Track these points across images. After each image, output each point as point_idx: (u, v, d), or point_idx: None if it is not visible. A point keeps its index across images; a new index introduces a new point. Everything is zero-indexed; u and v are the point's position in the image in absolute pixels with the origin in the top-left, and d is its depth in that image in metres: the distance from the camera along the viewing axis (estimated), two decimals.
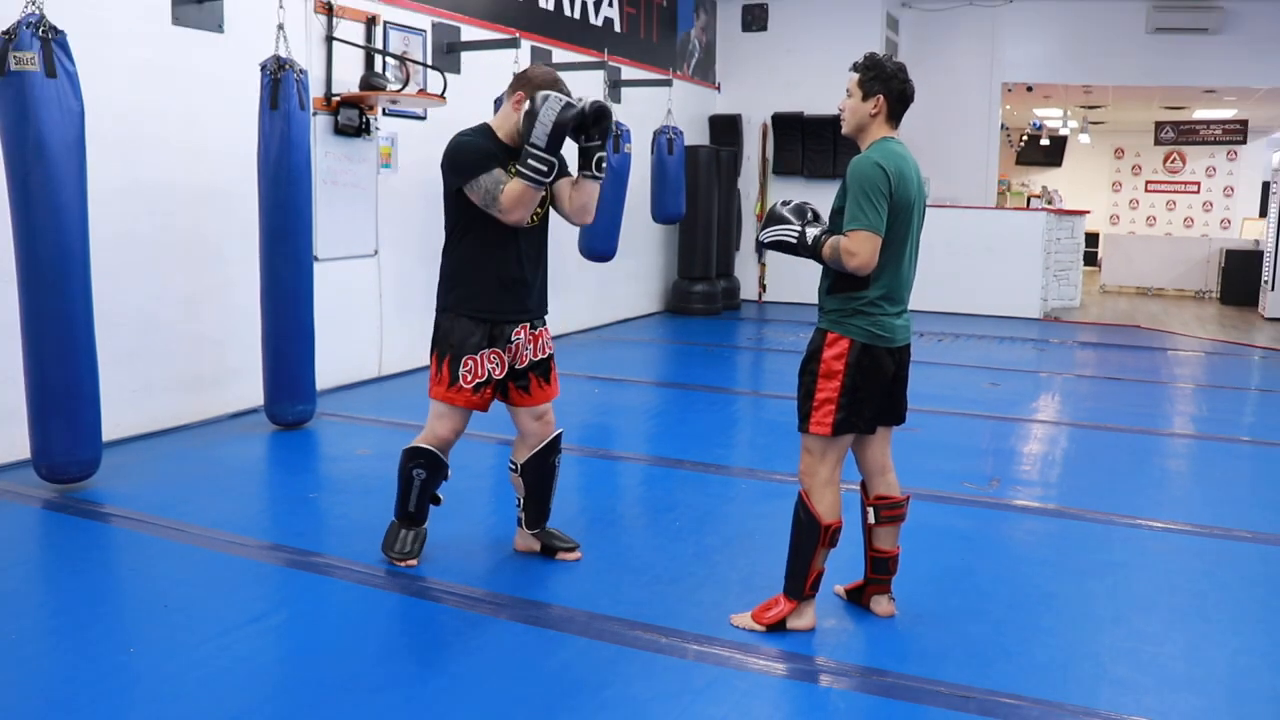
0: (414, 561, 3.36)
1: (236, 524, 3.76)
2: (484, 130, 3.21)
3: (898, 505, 3.03)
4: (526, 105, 3.02)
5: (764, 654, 2.80)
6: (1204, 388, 7.23)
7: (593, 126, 3.08)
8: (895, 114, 2.87)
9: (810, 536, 2.88)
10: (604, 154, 3.13)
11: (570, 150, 3.04)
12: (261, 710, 2.47)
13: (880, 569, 3.05)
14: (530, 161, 2.96)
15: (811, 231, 2.83)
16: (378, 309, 6.35)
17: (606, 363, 7.46)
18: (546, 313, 3.37)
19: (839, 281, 2.84)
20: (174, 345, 5.04)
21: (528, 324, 3.28)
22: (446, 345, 3.21)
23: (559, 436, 3.40)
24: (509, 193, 3.02)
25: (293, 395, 5.01)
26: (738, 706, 2.53)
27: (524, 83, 3.15)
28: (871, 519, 3.04)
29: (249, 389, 5.29)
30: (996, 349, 8.47)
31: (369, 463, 4.57)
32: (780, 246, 2.89)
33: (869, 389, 2.85)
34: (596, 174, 3.16)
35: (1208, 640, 2.96)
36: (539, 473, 3.38)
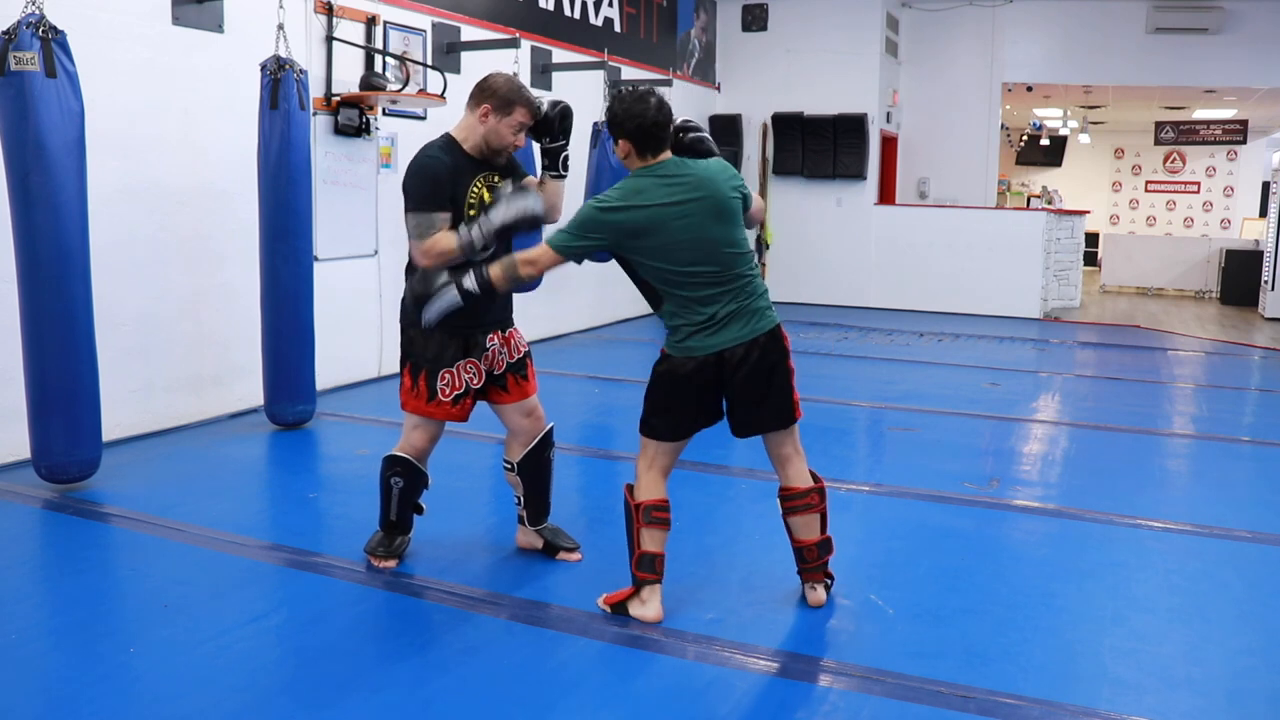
0: (394, 563, 3.35)
1: (236, 524, 3.76)
2: (448, 145, 3.11)
3: (800, 496, 3.05)
4: (500, 189, 3.04)
5: (764, 654, 2.80)
6: (1204, 388, 7.23)
7: (557, 128, 3.11)
8: (646, 147, 2.89)
9: (628, 517, 3.01)
10: (568, 153, 3.17)
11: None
12: (261, 710, 2.47)
13: (799, 559, 3.10)
14: (473, 240, 2.96)
15: (469, 276, 2.91)
16: (378, 309, 6.35)
17: (606, 363, 7.46)
18: (512, 313, 3.37)
19: (663, 315, 3.00)
20: (174, 345, 5.04)
21: (499, 329, 3.27)
22: (422, 360, 3.18)
23: (551, 431, 3.40)
24: (435, 244, 2.99)
25: (293, 395, 5.01)
26: (738, 706, 2.53)
27: (489, 94, 3.07)
28: (781, 511, 3.10)
29: (249, 389, 5.29)
30: (996, 349, 8.47)
31: (369, 463, 4.56)
32: (450, 307, 2.94)
33: (671, 397, 2.95)
34: (562, 173, 3.19)
35: (1208, 640, 2.96)
36: (535, 469, 3.39)
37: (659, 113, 2.87)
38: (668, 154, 2.93)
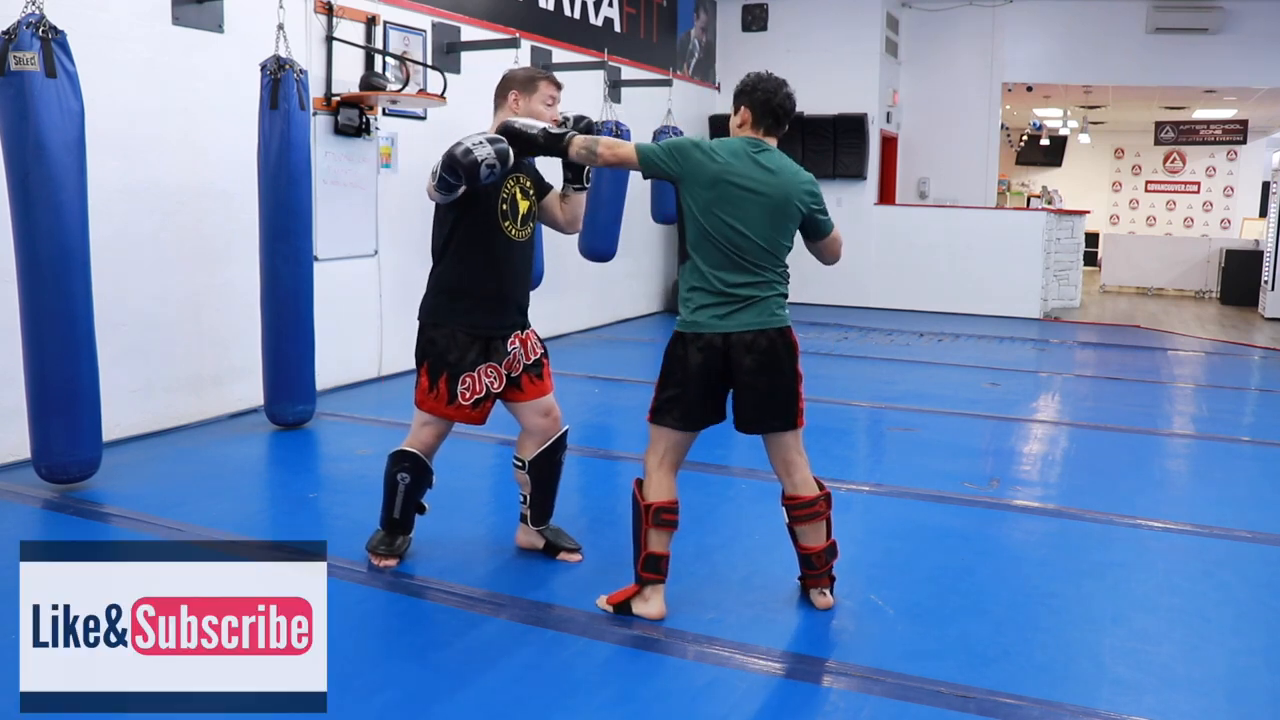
0: (394, 563, 3.35)
1: (236, 524, 3.76)
2: None
3: (807, 505, 3.04)
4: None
5: (764, 654, 2.80)
6: (1204, 388, 7.23)
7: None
8: (762, 122, 3.03)
9: (636, 516, 2.98)
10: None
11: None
12: None
13: (807, 565, 3.09)
14: (443, 174, 2.94)
15: (552, 129, 2.93)
16: (378, 309, 6.35)
17: (606, 363, 7.46)
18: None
19: (681, 277, 3.01)
20: (174, 345, 5.04)
21: (519, 330, 3.30)
22: (442, 362, 3.18)
23: (566, 433, 3.41)
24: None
25: (293, 395, 5.00)
26: (738, 706, 2.54)
27: (511, 82, 3.21)
28: (786, 519, 3.08)
29: (249, 389, 5.29)
30: (996, 349, 8.47)
31: (369, 463, 4.56)
32: (521, 139, 2.92)
33: (682, 381, 2.93)
34: (584, 185, 3.25)
35: (1208, 640, 2.96)
36: (546, 470, 3.39)
37: (787, 99, 3.06)
38: (774, 141, 3.06)
